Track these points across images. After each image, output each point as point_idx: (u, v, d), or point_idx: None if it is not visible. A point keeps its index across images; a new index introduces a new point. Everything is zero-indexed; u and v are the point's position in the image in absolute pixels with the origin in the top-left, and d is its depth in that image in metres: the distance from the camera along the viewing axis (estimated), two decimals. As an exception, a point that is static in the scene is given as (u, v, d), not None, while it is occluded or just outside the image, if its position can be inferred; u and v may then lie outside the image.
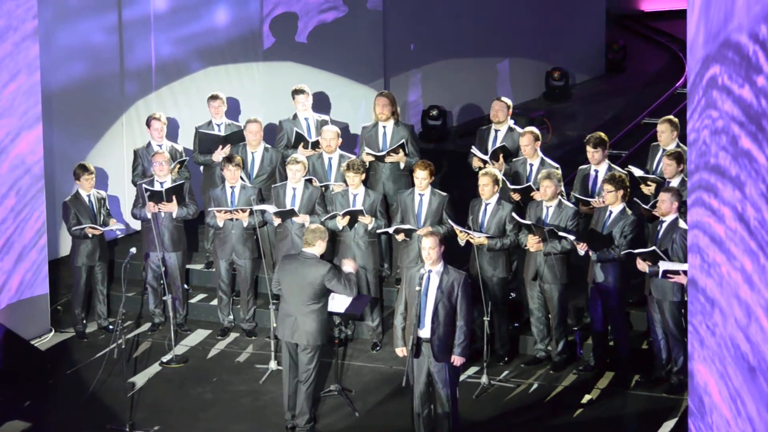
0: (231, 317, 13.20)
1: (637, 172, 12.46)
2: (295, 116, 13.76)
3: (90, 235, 12.86)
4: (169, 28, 15.11)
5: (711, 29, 7.61)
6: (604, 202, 11.78)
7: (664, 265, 10.97)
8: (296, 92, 13.76)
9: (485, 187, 11.96)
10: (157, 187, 12.83)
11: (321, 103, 15.45)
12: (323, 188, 12.88)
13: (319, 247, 10.91)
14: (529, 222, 11.73)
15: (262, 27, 15.95)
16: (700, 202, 8.08)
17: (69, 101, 14.23)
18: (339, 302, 11.23)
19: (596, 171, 12.44)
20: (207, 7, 15.44)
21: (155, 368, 12.41)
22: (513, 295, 12.75)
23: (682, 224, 11.08)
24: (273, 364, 12.12)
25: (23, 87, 12.60)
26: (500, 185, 12.07)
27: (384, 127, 13.31)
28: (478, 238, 11.83)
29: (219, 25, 15.57)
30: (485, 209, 12.03)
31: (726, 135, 7.28)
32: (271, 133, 14.25)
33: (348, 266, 11.15)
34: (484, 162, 12.96)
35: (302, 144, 13.39)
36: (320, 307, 10.85)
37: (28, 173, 12.76)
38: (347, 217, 12.28)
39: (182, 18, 15.21)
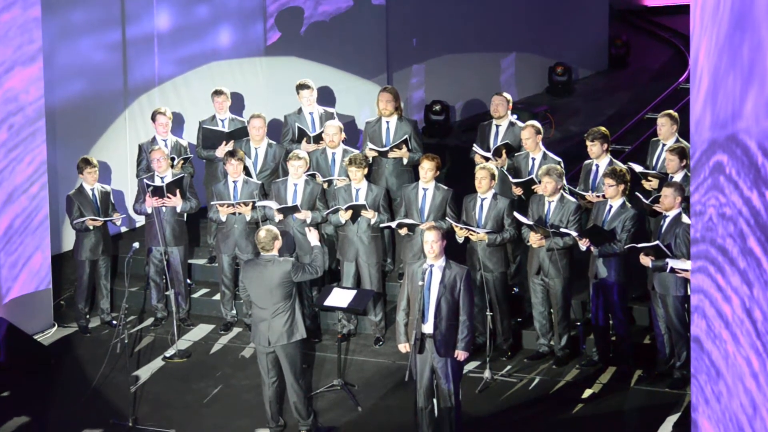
0: (234, 312, 13.20)
1: (637, 168, 12.43)
2: (299, 111, 13.76)
3: (91, 227, 12.86)
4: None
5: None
6: (604, 196, 11.78)
7: (672, 263, 10.97)
8: (300, 87, 13.74)
9: (482, 181, 11.95)
10: (158, 182, 12.84)
11: (325, 98, 15.45)
12: (327, 183, 12.88)
13: (275, 249, 10.72)
14: (530, 222, 11.72)
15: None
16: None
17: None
18: (342, 297, 11.19)
19: (597, 165, 12.44)
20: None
21: (158, 363, 12.42)
22: (516, 290, 12.76)
23: (685, 219, 11.08)
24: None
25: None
26: (497, 180, 12.05)
27: (387, 122, 13.30)
28: (478, 234, 11.83)
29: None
30: (481, 204, 12.01)
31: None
32: (274, 128, 14.24)
33: (312, 237, 10.99)
34: (487, 159, 12.95)
35: (305, 138, 13.39)
36: (290, 304, 10.62)
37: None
38: (350, 212, 12.29)
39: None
